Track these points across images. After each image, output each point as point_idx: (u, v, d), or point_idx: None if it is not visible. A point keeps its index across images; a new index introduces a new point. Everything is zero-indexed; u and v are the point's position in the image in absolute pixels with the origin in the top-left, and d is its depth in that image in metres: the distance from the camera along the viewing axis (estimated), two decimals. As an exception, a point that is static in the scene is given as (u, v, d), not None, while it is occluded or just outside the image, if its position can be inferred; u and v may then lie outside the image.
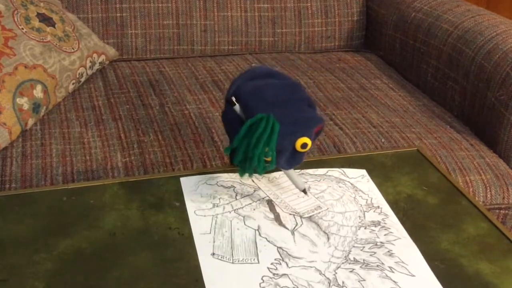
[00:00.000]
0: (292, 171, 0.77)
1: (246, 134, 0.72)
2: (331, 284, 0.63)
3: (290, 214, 0.74)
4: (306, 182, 0.80)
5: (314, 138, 0.77)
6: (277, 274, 0.64)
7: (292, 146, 0.73)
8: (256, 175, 0.81)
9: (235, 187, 0.79)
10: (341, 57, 1.61)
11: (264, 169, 0.73)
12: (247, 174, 0.74)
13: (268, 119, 0.72)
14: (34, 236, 0.69)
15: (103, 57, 1.40)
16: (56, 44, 1.25)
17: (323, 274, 0.65)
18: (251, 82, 0.78)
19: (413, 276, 0.65)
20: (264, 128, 0.71)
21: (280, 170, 0.82)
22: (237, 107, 0.75)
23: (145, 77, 1.41)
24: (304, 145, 0.73)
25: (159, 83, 1.38)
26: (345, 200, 0.77)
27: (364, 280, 0.64)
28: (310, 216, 0.74)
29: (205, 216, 0.73)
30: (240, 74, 0.80)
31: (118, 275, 0.64)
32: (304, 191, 0.77)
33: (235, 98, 0.76)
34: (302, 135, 0.73)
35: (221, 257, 0.67)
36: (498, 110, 1.21)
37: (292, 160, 0.75)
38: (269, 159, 0.72)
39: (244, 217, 0.73)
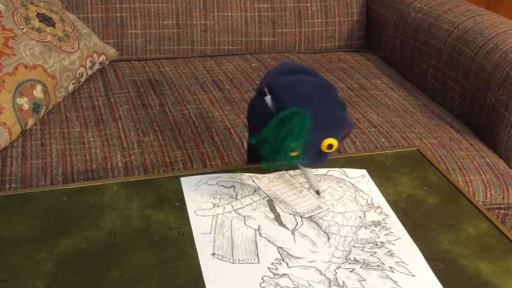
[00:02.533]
0: (310, 171, 0.77)
1: (276, 125, 0.72)
2: (331, 284, 0.63)
3: (291, 214, 0.74)
4: (306, 182, 0.80)
5: (341, 140, 0.77)
6: (277, 274, 0.64)
7: (318, 145, 0.73)
8: (256, 175, 0.81)
9: (235, 187, 0.79)
10: (341, 57, 1.61)
11: (289, 163, 0.73)
12: (271, 166, 0.74)
13: (301, 114, 0.71)
14: (34, 236, 0.69)
15: (103, 57, 1.40)
16: (56, 44, 1.25)
17: (324, 274, 0.65)
18: (284, 76, 0.78)
19: (414, 276, 0.65)
20: (295, 123, 0.71)
21: (285, 170, 0.82)
22: (268, 98, 0.75)
23: (145, 77, 1.41)
24: (330, 146, 0.73)
25: (159, 83, 1.38)
26: (345, 200, 0.77)
27: (364, 280, 0.64)
28: (311, 216, 0.74)
29: (205, 216, 0.73)
30: (274, 68, 0.80)
31: (118, 275, 0.63)
32: (318, 192, 0.77)
33: (268, 89, 0.76)
34: (330, 136, 0.73)
35: (222, 257, 0.67)
36: (498, 110, 1.21)
37: (316, 159, 0.75)
38: (295, 153, 0.72)
39: (244, 217, 0.73)
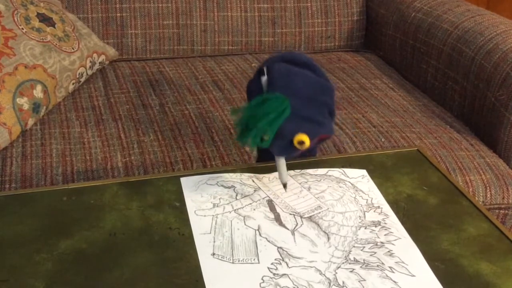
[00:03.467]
0: (282, 161, 0.77)
1: (257, 105, 0.73)
2: (331, 284, 0.63)
3: (290, 214, 0.74)
4: (306, 182, 0.80)
5: (316, 143, 0.77)
6: (277, 274, 0.64)
7: (290, 138, 0.73)
8: (256, 175, 0.81)
9: (235, 187, 0.78)
10: (341, 57, 1.61)
11: (256, 144, 0.73)
12: (242, 142, 0.75)
13: (282, 102, 0.72)
14: (34, 236, 0.69)
15: (103, 57, 1.40)
16: (56, 44, 1.25)
17: (323, 274, 0.65)
18: (288, 64, 0.78)
19: (413, 276, 0.65)
20: (275, 108, 0.72)
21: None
22: (264, 78, 0.76)
23: (145, 77, 1.41)
24: (301, 142, 0.73)
25: (159, 83, 1.38)
26: (345, 200, 0.77)
27: (364, 280, 0.64)
28: (310, 216, 0.74)
29: (205, 216, 0.73)
30: (282, 53, 0.81)
31: (118, 275, 0.63)
32: (285, 185, 0.77)
33: (266, 70, 0.77)
34: (304, 132, 0.73)
35: (222, 257, 0.67)
36: (498, 110, 1.21)
37: (284, 150, 0.75)
38: (266, 137, 0.72)
39: (244, 217, 0.73)
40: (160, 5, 1.53)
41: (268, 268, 0.65)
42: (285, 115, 0.72)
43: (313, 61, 0.81)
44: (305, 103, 0.75)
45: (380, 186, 0.81)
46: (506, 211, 1.11)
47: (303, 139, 0.73)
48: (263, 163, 0.85)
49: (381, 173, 0.84)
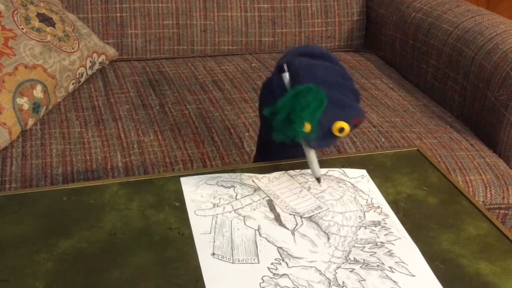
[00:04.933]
0: (314, 156, 0.77)
1: (292, 98, 0.73)
2: (331, 284, 0.63)
3: (290, 214, 0.74)
4: (306, 182, 0.80)
5: (352, 129, 0.77)
6: (277, 274, 0.64)
7: (329, 126, 0.74)
8: (256, 175, 0.81)
9: (235, 187, 0.78)
10: (341, 57, 1.61)
11: (302, 135, 0.73)
12: (282, 138, 0.75)
13: (319, 92, 0.73)
14: (34, 236, 0.69)
15: (103, 57, 1.40)
16: (56, 44, 1.25)
17: (323, 274, 0.65)
18: (305, 57, 0.79)
19: (413, 276, 0.65)
20: (314, 98, 0.72)
21: (285, 170, 0.82)
22: (286, 75, 0.77)
23: (145, 77, 1.41)
24: (341, 129, 0.74)
25: (159, 83, 1.38)
26: (345, 200, 0.77)
27: (364, 280, 0.64)
28: (310, 216, 0.74)
29: (205, 216, 0.73)
30: (296, 47, 0.82)
31: (118, 275, 0.63)
32: (319, 179, 0.78)
33: (287, 66, 0.77)
34: (343, 119, 0.74)
35: (221, 257, 0.67)
36: (498, 110, 1.21)
37: (323, 141, 0.76)
38: (309, 128, 0.72)
39: (244, 217, 0.73)
40: (160, 5, 1.53)
41: (268, 268, 0.65)
42: (324, 104, 0.73)
43: (329, 52, 0.82)
44: (334, 91, 0.76)
45: (380, 186, 0.81)
46: (506, 211, 1.11)
47: (343, 125, 0.74)
48: (263, 163, 0.85)
49: (381, 173, 0.84)
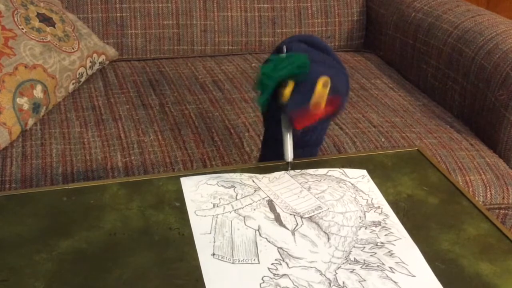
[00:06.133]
0: (289, 138, 0.77)
1: (279, 59, 0.75)
2: (331, 285, 0.63)
3: (291, 214, 0.74)
4: (306, 182, 0.80)
5: (330, 116, 0.78)
6: (277, 274, 0.64)
7: (315, 79, 0.73)
8: (256, 175, 0.81)
9: (235, 187, 0.78)
10: (341, 57, 1.61)
11: (282, 96, 0.73)
12: (262, 102, 0.76)
13: (306, 57, 0.74)
14: (34, 236, 0.69)
15: (103, 57, 1.40)
16: (56, 44, 1.25)
17: (324, 275, 0.65)
18: (305, 45, 0.80)
19: (414, 276, 0.65)
20: (300, 59, 0.74)
21: (285, 170, 0.82)
22: (283, 55, 0.77)
23: (145, 77, 1.41)
24: (326, 84, 0.73)
25: (159, 83, 1.38)
26: (345, 200, 0.77)
27: (364, 280, 0.64)
28: (311, 216, 0.74)
29: (205, 216, 0.73)
30: (298, 35, 0.83)
31: (118, 275, 0.63)
32: (289, 164, 0.78)
33: (286, 49, 0.78)
34: (328, 76, 0.73)
35: (222, 257, 0.67)
36: (498, 110, 1.21)
37: (302, 101, 0.74)
38: (287, 93, 0.73)
39: (244, 217, 0.73)
40: (160, 5, 1.53)
41: (268, 268, 0.65)
42: (307, 69, 0.73)
43: (330, 48, 0.83)
44: (325, 65, 0.76)
45: (380, 186, 0.81)
46: (506, 211, 1.11)
47: (327, 80, 0.73)
48: (263, 163, 0.85)
49: (381, 173, 0.83)
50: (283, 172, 0.82)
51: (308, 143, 0.83)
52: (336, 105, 0.77)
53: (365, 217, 0.74)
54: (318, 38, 0.82)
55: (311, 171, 0.83)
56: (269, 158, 0.87)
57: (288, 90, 0.73)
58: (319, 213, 0.75)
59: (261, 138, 1.15)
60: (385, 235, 0.71)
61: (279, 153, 0.85)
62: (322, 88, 0.73)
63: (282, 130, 0.77)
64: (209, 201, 0.76)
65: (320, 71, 0.74)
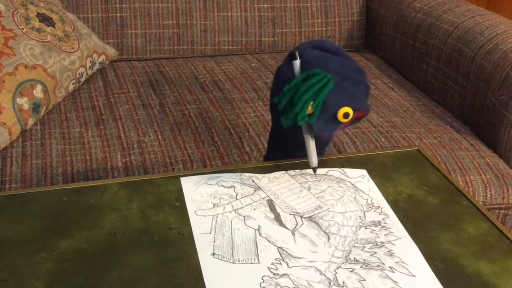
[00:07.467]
0: (313, 144, 0.78)
1: (299, 82, 0.75)
2: (331, 284, 0.63)
3: (291, 214, 0.74)
4: (306, 182, 0.80)
5: (354, 122, 0.79)
6: (277, 274, 0.64)
7: (335, 112, 0.75)
8: (256, 175, 0.81)
9: (235, 187, 0.78)
10: (341, 57, 1.61)
11: (303, 119, 0.74)
12: (287, 122, 0.76)
13: (325, 76, 0.74)
14: (34, 236, 0.69)
15: (103, 57, 1.40)
16: (56, 44, 1.25)
17: (324, 274, 0.65)
18: (319, 50, 0.80)
19: (414, 276, 0.65)
20: (318, 81, 0.74)
21: (285, 170, 0.82)
22: (297, 62, 0.78)
23: (145, 77, 1.41)
24: (346, 115, 0.75)
25: (159, 83, 1.38)
26: (345, 200, 0.77)
27: (364, 280, 0.64)
28: (311, 216, 0.74)
29: (205, 216, 0.73)
30: (310, 40, 0.83)
31: (118, 275, 0.63)
32: (315, 170, 0.78)
33: (299, 55, 0.78)
34: (348, 105, 0.75)
35: (222, 257, 0.67)
36: (498, 110, 1.21)
37: (327, 125, 0.76)
38: (311, 111, 0.74)
39: (244, 217, 0.73)
40: (160, 5, 1.53)
41: (268, 268, 0.65)
42: (329, 87, 0.74)
43: (342, 48, 0.83)
44: (345, 80, 0.76)
45: (380, 186, 0.81)
46: (506, 211, 1.11)
47: (348, 111, 0.75)
48: (263, 163, 0.85)
49: (381, 173, 0.84)
50: (283, 172, 0.82)
51: (319, 144, 0.83)
52: (359, 117, 0.79)
53: (365, 216, 0.75)
54: (330, 42, 0.82)
55: (311, 171, 0.83)
56: (276, 155, 0.87)
57: (309, 110, 0.74)
58: (319, 212, 0.75)
59: (261, 138, 1.15)
60: (385, 234, 0.71)
61: (288, 149, 0.85)
62: (343, 118, 0.75)
63: (304, 136, 0.78)
64: (209, 201, 0.76)
65: (340, 99, 0.75)
